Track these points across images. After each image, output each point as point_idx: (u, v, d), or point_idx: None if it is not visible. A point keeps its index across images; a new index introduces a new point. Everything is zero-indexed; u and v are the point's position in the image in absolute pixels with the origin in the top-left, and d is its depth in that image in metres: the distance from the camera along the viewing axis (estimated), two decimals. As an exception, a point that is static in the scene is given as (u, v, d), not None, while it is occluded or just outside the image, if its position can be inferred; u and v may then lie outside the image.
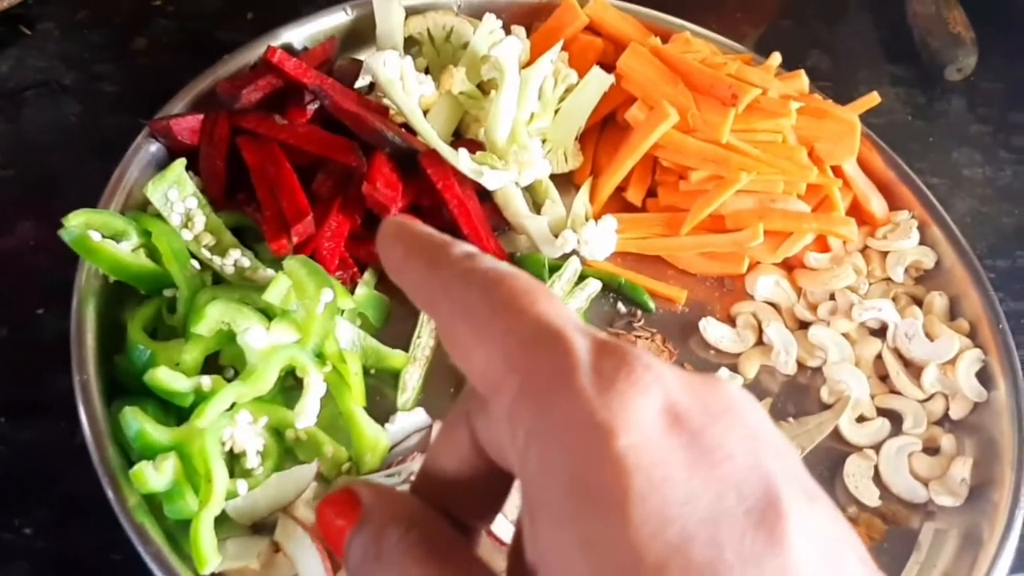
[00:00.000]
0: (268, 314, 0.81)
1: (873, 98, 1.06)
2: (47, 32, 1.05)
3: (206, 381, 0.76)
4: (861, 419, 0.93)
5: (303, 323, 0.80)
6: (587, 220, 0.99)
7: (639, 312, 0.97)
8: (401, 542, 0.32)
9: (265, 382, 0.77)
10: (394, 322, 0.92)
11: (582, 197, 1.01)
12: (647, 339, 0.94)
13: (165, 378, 0.74)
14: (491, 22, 1.03)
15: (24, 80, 1.01)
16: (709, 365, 0.94)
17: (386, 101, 0.98)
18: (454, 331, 0.33)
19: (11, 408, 0.80)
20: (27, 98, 0.99)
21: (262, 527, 0.77)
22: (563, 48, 1.06)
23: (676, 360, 0.94)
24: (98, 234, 0.80)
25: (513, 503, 0.38)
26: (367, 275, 0.92)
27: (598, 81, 1.03)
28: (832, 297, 0.99)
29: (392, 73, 0.94)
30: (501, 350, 0.31)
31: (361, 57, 1.04)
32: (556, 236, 0.98)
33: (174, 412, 0.78)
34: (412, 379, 0.87)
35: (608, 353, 0.30)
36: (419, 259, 0.36)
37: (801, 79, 1.07)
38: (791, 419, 0.91)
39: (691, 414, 0.30)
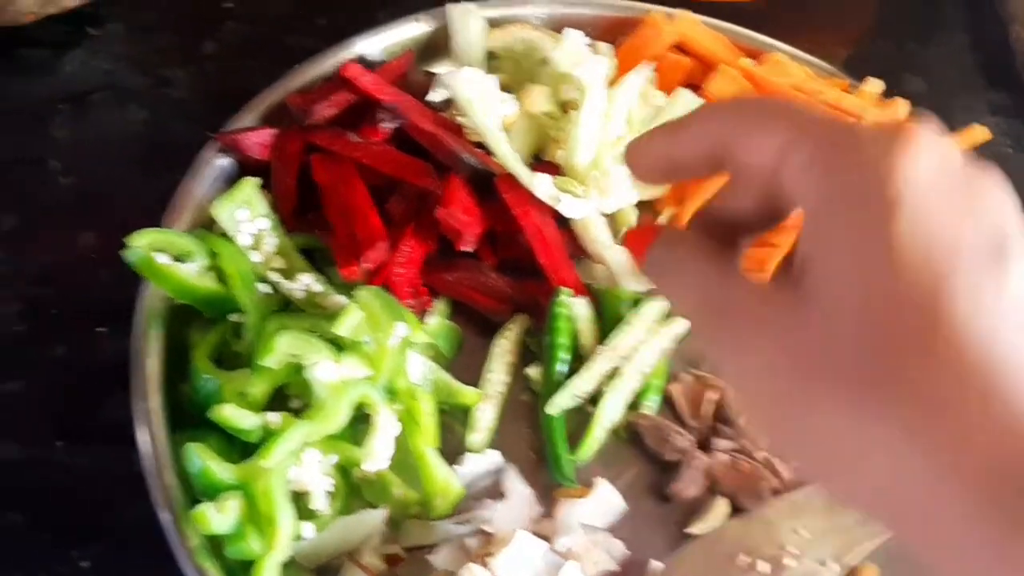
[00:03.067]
0: (338, 344, 0.77)
1: (980, 132, 1.00)
2: (114, 33, 1.01)
3: (274, 418, 0.72)
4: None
5: (374, 357, 0.76)
6: (669, 251, 0.94)
7: (723, 352, 0.91)
8: (696, 250, 0.45)
9: (335, 421, 0.73)
10: (464, 353, 0.87)
11: (665, 226, 0.96)
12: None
13: (232, 416, 0.70)
14: (574, 38, 0.98)
15: (89, 83, 0.97)
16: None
17: (461, 120, 0.93)
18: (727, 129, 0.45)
19: (68, 432, 0.76)
20: (92, 102, 0.96)
21: (326, 569, 0.73)
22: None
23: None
24: (164, 256, 0.76)
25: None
26: (439, 303, 0.88)
27: (686, 104, 0.98)
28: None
29: (473, 92, 0.89)
30: (787, 126, 0.42)
31: (435, 69, 1.00)
32: (638, 269, 0.92)
33: (238, 444, 0.74)
34: (485, 417, 0.83)
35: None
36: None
37: (899, 107, 1.01)
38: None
39: (958, 173, 0.39)
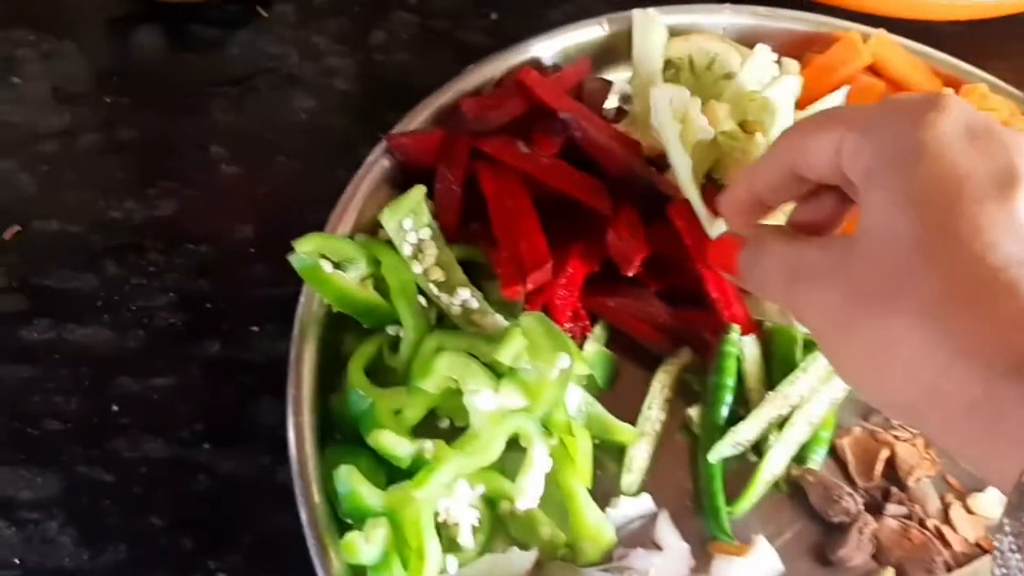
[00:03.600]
0: (495, 369, 0.73)
1: None
2: (283, 16, 0.99)
3: (429, 447, 0.68)
4: None
5: (534, 388, 0.72)
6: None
7: (898, 408, 0.84)
8: (776, 236, 0.58)
9: (490, 453, 0.69)
10: (620, 384, 0.83)
11: (844, 265, 0.89)
12: (907, 441, 0.82)
13: (388, 443, 0.67)
14: (764, 55, 0.92)
15: (255, 66, 0.95)
16: (974, 480, 0.82)
17: (637, 135, 0.88)
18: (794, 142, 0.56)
19: (217, 435, 0.75)
20: (256, 86, 0.94)
21: (466, 607, 0.70)
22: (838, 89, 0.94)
23: (939, 472, 0.81)
24: (329, 263, 0.73)
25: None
26: (598, 329, 0.84)
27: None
28: None
29: (672, 114, 0.83)
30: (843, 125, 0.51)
31: (610, 77, 0.95)
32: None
33: (386, 465, 0.71)
34: (639, 457, 0.78)
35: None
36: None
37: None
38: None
39: (982, 128, 0.48)
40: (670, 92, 0.84)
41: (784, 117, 0.87)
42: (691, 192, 0.83)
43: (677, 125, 0.83)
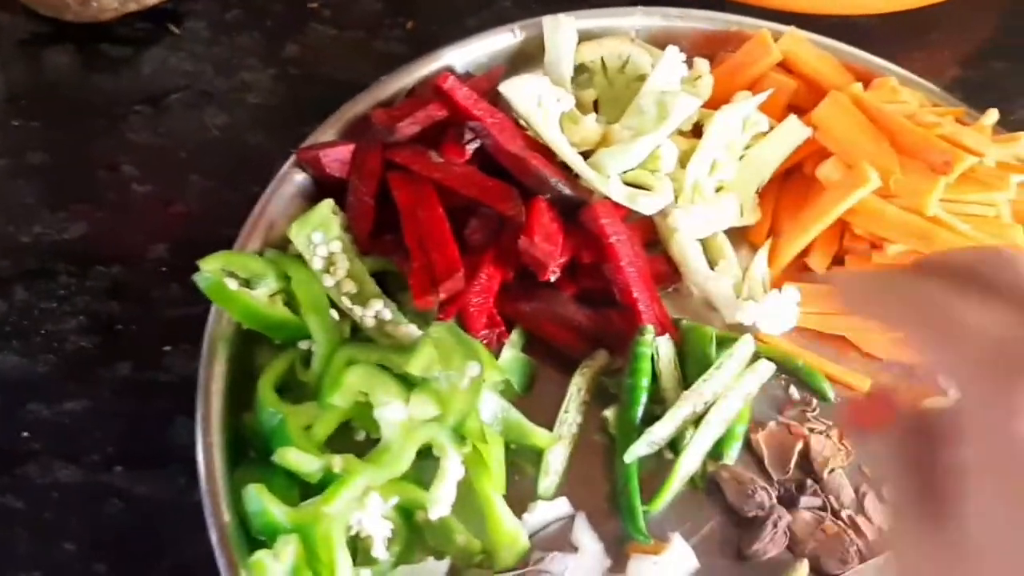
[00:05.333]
0: (407, 379, 0.74)
1: (1105, 174, 0.92)
2: (195, 32, 0.99)
3: (338, 462, 0.69)
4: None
5: (445, 397, 0.73)
6: (765, 287, 0.89)
7: (815, 400, 0.86)
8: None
9: (401, 464, 0.70)
10: (538, 388, 0.83)
11: (761, 261, 0.90)
12: (822, 433, 0.83)
13: (295, 460, 0.67)
14: (673, 55, 0.93)
15: (167, 84, 0.95)
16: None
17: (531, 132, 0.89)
18: None
19: (130, 457, 0.74)
20: (170, 104, 0.94)
21: (382, 618, 0.70)
22: (751, 87, 0.95)
23: (852, 461, 0.83)
24: (234, 280, 0.73)
25: None
26: (514, 335, 0.84)
27: (792, 132, 0.92)
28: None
29: (531, 100, 0.85)
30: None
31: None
32: (731, 301, 0.88)
33: (300, 482, 0.71)
34: (557, 461, 0.79)
35: None
36: None
37: (1022, 143, 0.94)
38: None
39: None
40: (518, 82, 0.86)
41: (669, 126, 0.89)
42: (577, 163, 0.86)
43: (539, 110, 0.85)
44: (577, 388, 0.82)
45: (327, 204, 0.79)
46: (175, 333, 0.80)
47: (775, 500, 0.78)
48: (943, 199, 0.88)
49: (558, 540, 0.75)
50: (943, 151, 0.87)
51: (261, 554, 0.64)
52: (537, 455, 0.79)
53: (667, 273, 0.90)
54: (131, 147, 0.90)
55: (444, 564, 0.70)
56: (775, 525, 0.77)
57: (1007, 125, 0.96)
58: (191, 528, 0.70)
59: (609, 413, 0.82)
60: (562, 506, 0.77)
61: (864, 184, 0.86)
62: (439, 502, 0.71)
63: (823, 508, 0.79)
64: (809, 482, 0.80)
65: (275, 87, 0.96)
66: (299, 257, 0.78)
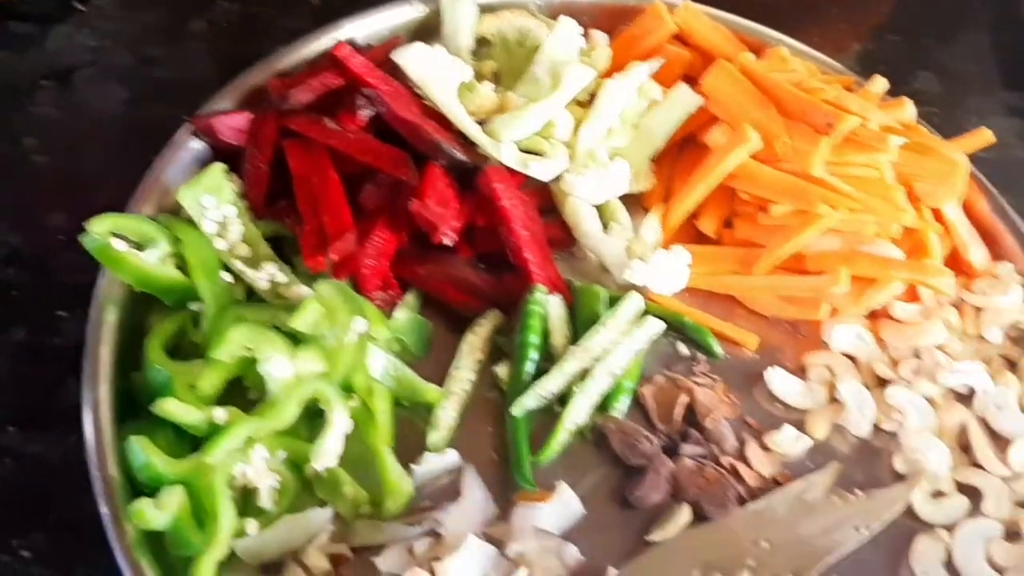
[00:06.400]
0: (298, 338, 0.76)
1: (985, 136, 0.96)
2: (102, 9, 1.00)
3: (220, 414, 0.71)
4: (937, 495, 0.84)
5: (332, 353, 0.75)
6: (656, 248, 0.91)
7: (701, 355, 0.89)
8: None
9: (284, 417, 0.71)
10: (435, 349, 0.85)
11: (652, 223, 0.93)
12: (708, 387, 0.86)
13: (176, 411, 0.69)
14: (568, 26, 0.95)
15: (73, 60, 0.96)
16: (773, 419, 0.86)
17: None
18: None
19: (22, 418, 0.76)
20: (75, 79, 0.95)
21: (272, 568, 0.72)
22: (647, 59, 0.98)
23: (738, 414, 0.85)
24: (123, 243, 0.75)
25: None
26: (409, 296, 0.86)
27: (684, 101, 0.95)
28: (917, 355, 0.90)
29: (424, 68, 0.87)
30: None
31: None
32: (625, 262, 0.91)
33: (187, 436, 0.73)
34: (446, 416, 0.81)
35: None
36: None
37: (906, 108, 0.97)
38: (859, 492, 0.82)
39: None
40: (410, 50, 0.89)
41: (571, 91, 0.91)
42: (470, 129, 0.89)
43: (434, 78, 0.88)
44: (470, 346, 0.85)
45: (218, 167, 0.81)
46: (71, 299, 0.81)
47: (659, 449, 0.81)
48: (829, 162, 0.91)
49: (449, 492, 0.77)
50: (826, 113, 0.90)
51: (141, 502, 0.66)
52: (430, 411, 0.81)
53: (562, 238, 0.93)
54: (35, 121, 0.92)
55: (327, 512, 0.72)
56: (658, 473, 0.80)
57: (903, 95, 0.99)
58: (81, 487, 0.71)
59: (500, 369, 0.84)
60: (451, 458, 0.79)
61: (744, 144, 0.89)
62: (324, 454, 0.73)
63: (705, 456, 0.82)
64: (693, 432, 0.83)
65: (179, 62, 0.98)
66: (192, 222, 0.80)
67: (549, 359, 0.84)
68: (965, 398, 0.89)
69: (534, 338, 0.83)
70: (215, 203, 0.80)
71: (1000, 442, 0.86)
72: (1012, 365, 0.91)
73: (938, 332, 0.89)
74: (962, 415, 0.87)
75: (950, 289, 0.92)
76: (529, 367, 0.83)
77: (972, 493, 0.84)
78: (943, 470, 0.84)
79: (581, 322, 0.86)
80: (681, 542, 0.77)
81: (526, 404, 0.81)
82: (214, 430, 0.70)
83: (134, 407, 0.74)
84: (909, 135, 0.94)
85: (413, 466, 0.77)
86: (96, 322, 0.74)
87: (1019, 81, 1.15)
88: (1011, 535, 0.83)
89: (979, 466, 0.86)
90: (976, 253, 0.95)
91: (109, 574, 0.67)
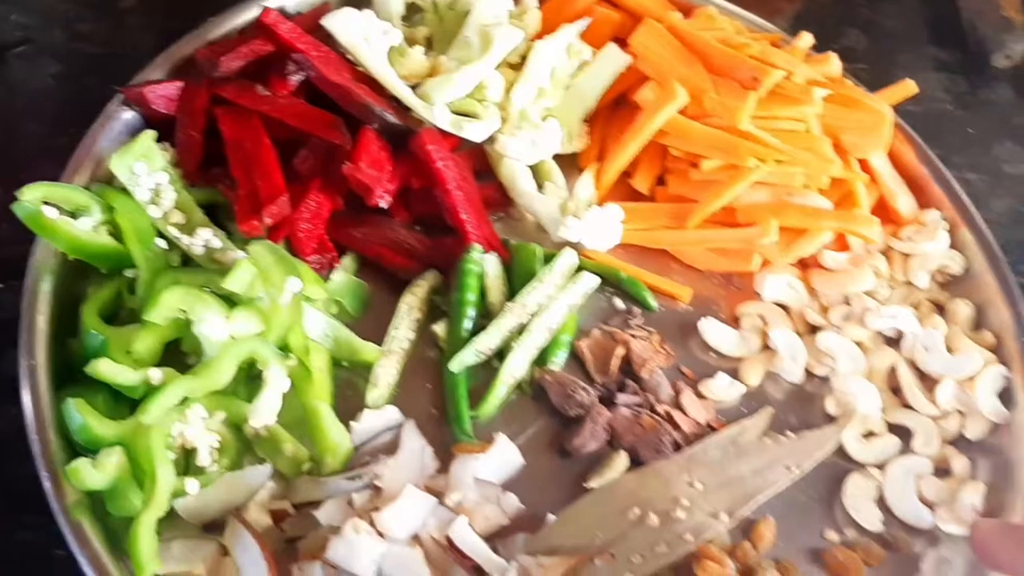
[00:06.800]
0: (235, 301, 0.76)
1: (908, 87, 0.98)
2: (32, -14, 1.00)
3: (155, 374, 0.71)
4: (868, 435, 0.87)
5: (267, 313, 0.76)
6: (590, 206, 0.93)
7: (637, 309, 0.90)
8: None
9: (219, 377, 0.72)
10: (374, 310, 0.87)
11: (586, 182, 0.95)
12: (643, 339, 0.87)
13: (109, 371, 0.69)
14: (496, -10, 0.97)
15: (4, 38, 0.96)
16: (708, 368, 0.88)
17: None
18: None
19: (-40, 390, 0.76)
20: (7, 58, 0.95)
21: (215, 526, 0.73)
22: (576, 20, 0.99)
23: (673, 363, 0.87)
24: (55, 210, 0.75)
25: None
26: (346, 259, 0.87)
27: (613, 60, 0.96)
28: (847, 301, 0.92)
29: (354, 33, 0.88)
30: None
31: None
32: (560, 220, 0.92)
33: (126, 401, 0.74)
34: (385, 374, 0.82)
35: None
36: None
37: (831, 62, 0.99)
38: (790, 433, 0.85)
39: None
40: (340, 15, 0.90)
41: (501, 51, 0.93)
42: (401, 91, 0.90)
43: (364, 43, 0.89)
44: (408, 306, 0.86)
45: (148, 135, 0.81)
46: (7, 271, 0.82)
47: (596, 399, 0.83)
48: (756, 116, 0.93)
49: (390, 448, 0.78)
50: (752, 68, 0.92)
51: (79, 462, 0.67)
52: (371, 371, 0.82)
53: (498, 199, 0.94)
54: (-35, 98, 0.92)
55: (266, 468, 0.73)
56: (595, 422, 0.81)
57: (839, 54, 1.01)
58: (22, 453, 0.72)
59: (439, 328, 0.85)
60: (391, 414, 0.80)
61: (672, 100, 0.91)
62: (261, 412, 0.74)
63: (641, 405, 0.84)
64: (629, 382, 0.85)
65: (111, 37, 0.98)
66: (125, 190, 0.81)
67: (487, 316, 0.86)
68: (894, 342, 0.91)
69: (471, 296, 0.85)
70: (146, 170, 0.81)
71: (928, 383, 0.89)
72: (940, 309, 0.94)
73: (867, 279, 0.92)
74: (891, 358, 0.90)
75: (878, 237, 0.94)
76: (467, 324, 0.84)
77: (903, 434, 0.87)
78: (874, 411, 0.87)
79: (518, 279, 0.88)
80: (616, 487, 0.79)
81: (464, 360, 0.82)
82: (150, 391, 0.71)
83: (74, 377, 0.75)
84: (834, 88, 0.96)
85: (353, 423, 0.78)
86: (32, 291, 0.75)
87: (946, 37, 1.18)
88: (940, 472, 0.86)
89: (909, 407, 0.88)
90: (903, 202, 0.98)
91: (56, 539, 0.68)
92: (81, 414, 0.69)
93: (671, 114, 0.92)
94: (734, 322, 0.92)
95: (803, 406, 0.88)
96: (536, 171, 0.95)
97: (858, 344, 0.90)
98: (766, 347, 0.90)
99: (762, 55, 0.95)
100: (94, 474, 0.67)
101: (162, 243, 0.80)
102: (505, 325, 0.84)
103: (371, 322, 0.85)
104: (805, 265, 0.95)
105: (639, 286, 0.90)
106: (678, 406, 0.85)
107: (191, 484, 0.71)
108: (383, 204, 0.86)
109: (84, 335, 0.75)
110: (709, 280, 0.94)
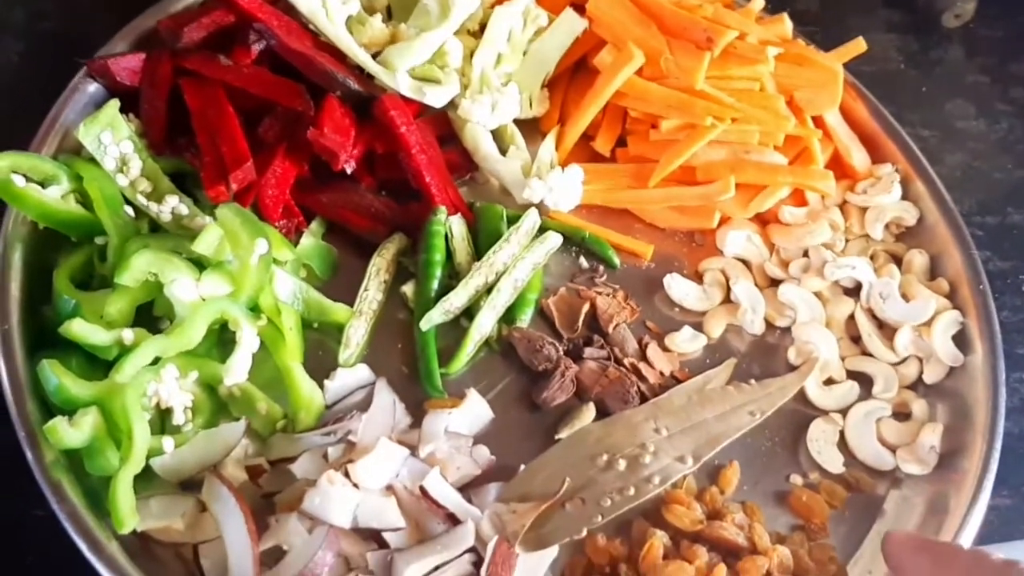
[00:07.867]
0: (204, 265, 0.78)
1: (858, 45, 1.01)
2: (-9, -33, 1.00)
3: (128, 334, 0.72)
4: (829, 382, 0.89)
5: (237, 275, 0.77)
6: (553, 168, 0.94)
7: (602, 267, 0.92)
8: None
9: (191, 336, 0.73)
10: (343, 273, 0.88)
11: (548, 144, 0.96)
12: (608, 295, 0.89)
13: (82, 331, 0.70)
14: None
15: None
16: (673, 323, 0.90)
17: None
18: None
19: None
20: (-33, 37, 0.95)
21: (192, 484, 0.74)
22: (533, -15, 1.01)
23: (638, 318, 0.90)
24: (22, 179, 0.76)
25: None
26: (314, 224, 0.89)
27: (570, 25, 0.98)
28: (806, 254, 0.95)
29: (314, 3, 0.89)
30: None
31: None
32: (523, 183, 0.94)
33: (101, 365, 0.75)
34: (356, 334, 0.84)
35: None
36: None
37: (783, 23, 1.02)
38: (753, 381, 0.87)
39: None
40: None
41: (451, 23, 0.94)
42: (361, 58, 0.92)
43: (323, 11, 0.90)
44: (376, 268, 0.87)
45: (113, 104, 0.82)
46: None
47: (562, 353, 0.85)
48: (712, 76, 0.95)
49: (363, 406, 0.80)
50: (705, 29, 0.94)
51: (56, 420, 0.68)
52: (342, 332, 0.84)
53: (462, 163, 0.96)
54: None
55: (240, 424, 0.74)
56: (563, 375, 0.83)
57: (792, 17, 1.03)
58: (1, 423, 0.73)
59: (407, 288, 0.87)
60: (363, 373, 0.82)
61: (629, 62, 0.93)
62: (234, 370, 0.75)
63: (608, 359, 0.86)
64: (596, 337, 0.87)
65: (72, 14, 0.99)
66: (92, 161, 0.81)
67: (454, 277, 0.88)
68: (853, 292, 0.94)
69: (438, 256, 0.86)
70: (113, 140, 0.81)
71: (887, 330, 0.91)
72: (895, 259, 0.96)
73: (824, 232, 0.94)
74: (850, 307, 0.92)
75: (833, 191, 0.97)
76: (434, 284, 0.86)
77: (864, 381, 0.89)
78: (834, 359, 0.89)
79: (483, 240, 0.89)
80: (584, 435, 0.81)
81: (433, 318, 0.84)
82: (124, 352, 0.72)
83: (48, 343, 0.76)
84: (787, 48, 0.98)
85: (327, 382, 0.80)
86: (3, 260, 0.76)
87: (896, -1, 1.21)
88: (900, 415, 0.89)
89: (868, 354, 0.91)
90: (857, 157, 1.00)
91: (37, 500, 0.69)
92: (56, 375, 0.69)
93: (628, 76, 0.94)
94: (697, 278, 0.94)
95: (766, 357, 0.90)
96: (498, 135, 0.97)
97: (817, 295, 0.92)
98: (728, 301, 0.93)
99: (716, 16, 0.97)
100: (71, 432, 0.68)
101: (130, 211, 0.81)
102: (472, 284, 0.86)
103: (340, 285, 0.87)
104: (764, 221, 0.97)
105: (603, 244, 0.92)
106: (644, 359, 0.87)
107: (167, 442, 0.72)
108: (348, 169, 0.88)
109: (57, 300, 0.76)
110: (671, 238, 0.96)
